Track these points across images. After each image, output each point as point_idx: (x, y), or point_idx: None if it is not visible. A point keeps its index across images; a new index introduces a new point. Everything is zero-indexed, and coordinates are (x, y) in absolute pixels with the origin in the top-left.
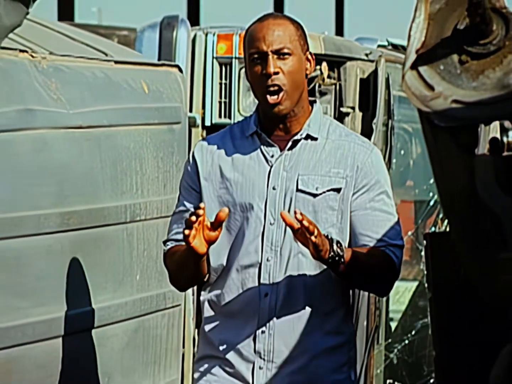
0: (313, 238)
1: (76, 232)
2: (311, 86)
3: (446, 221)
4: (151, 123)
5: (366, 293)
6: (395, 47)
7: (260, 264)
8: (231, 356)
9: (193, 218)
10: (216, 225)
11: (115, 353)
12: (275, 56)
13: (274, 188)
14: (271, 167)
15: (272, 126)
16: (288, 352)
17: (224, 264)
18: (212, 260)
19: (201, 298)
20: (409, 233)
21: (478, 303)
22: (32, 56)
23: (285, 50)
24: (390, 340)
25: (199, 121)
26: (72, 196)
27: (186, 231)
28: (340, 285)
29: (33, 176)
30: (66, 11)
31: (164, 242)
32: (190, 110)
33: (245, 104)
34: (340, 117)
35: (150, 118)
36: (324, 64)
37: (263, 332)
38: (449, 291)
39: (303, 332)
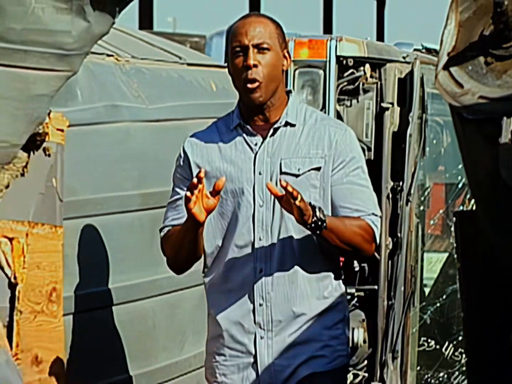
0: (297, 202)
1: (154, 211)
2: (356, 84)
3: (473, 201)
4: (218, 116)
5: (403, 264)
6: (429, 50)
7: (253, 243)
8: (234, 330)
9: (195, 180)
10: (214, 193)
11: (188, 315)
12: (255, 50)
13: (260, 173)
14: (256, 154)
15: (253, 117)
16: (285, 319)
17: (220, 246)
18: (208, 245)
19: (204, 281)
20: (441, 211)
21: (499, 272)
22: (117, 60)
23: (265, 45)
24: (424, 304)
25: None
26: (151, 180)
27: (188, 193)
28: (327, 251)
29: (118, 163)
30: (145, 21)
31: (160, 230)
32: None
33: (301, 100)
34: (381, 111)
35: (217, 112)
36: (367, 65)
37: (260, 304)
38: (475, 261)
39: (297, 300)
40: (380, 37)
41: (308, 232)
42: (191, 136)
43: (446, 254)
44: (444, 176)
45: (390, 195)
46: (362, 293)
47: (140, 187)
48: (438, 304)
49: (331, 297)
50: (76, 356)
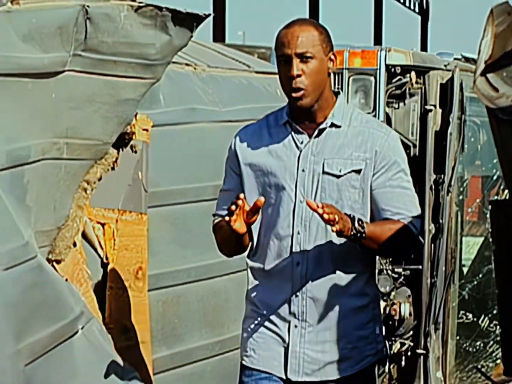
0: (336, 226)
1: None
2: (403, 89)
3: (506, 191)
4: None
5: (444, 247)
6: (467, 59)
7: (292, 236)
8: (270, 315)
9: (233, 207)
10: (254, 210)
11: None
12: (298, 60)
13: (303, 171)
14: (301, 152)
15: (300, 117)
16: (319, 312)
17: (263, 235)
18: (254, 232)
19: (246, 262)
20: (477, 200)
21: None
22: (195, 68)
23: (308, 54)
24: (462, 281)
25: None
26: (223, 173)
27: (227, 218)
28: (364, 252)
29: (195, 158)
30: (218, 34)
31: (214, 215)
32: None
33: (352, 103)
34: (425, 113)
35: None
36: (413, 73)
37: (296, 296)
38: (508, 245)
39: (331, 295)
40: (424, 47)
41: None
42: (243, 129)
43: (482, 238)
44: (481, 169)
45: (433, 187)
46: (408, 272)
47: (213, 179)
48: (475, 282)
49: (364, 296)
50: (159, 326)
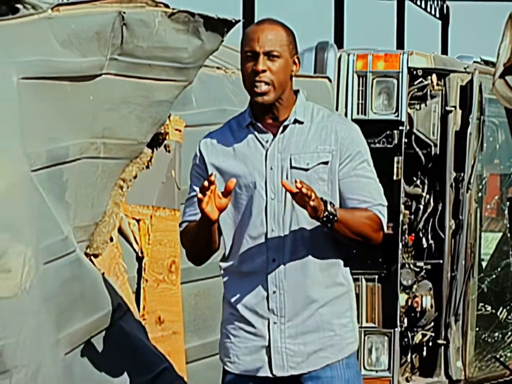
0: (311, 202)
1: None
2: (424, 91)
3: None
4: None
5: (464, 242)
6: (486, 62)
7: (266, 234)
8: (248, 315)
9: (206, 183)
10: (226, 193)
11: None
12: (265, 57)
13: (271, 168)
14: (267, 150)
15: (263, 116)
16: (297, 306)
17: (235, 236)
18: (226, 235)
19: (220, 265)
20: (496, 197)
21: None
22: (225, 71)
23: (275, 53)
24: (481, 275)
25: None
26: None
27: (200, 195)
28: (337, 241)
29: None
30: None
31: (180, 224)
32: (336, 109)
33: (376, 104)
34: (445, 113)
35: None
36: (434, 75)
37: (274, 292)
38: None
39: (308, 288)
40: (445, 51)
41: (318, 223)
42: (206, 136)
43: (501, 234)
44: (499, 167)
45: (453, 184)
46: (429, 266)
47: None
48: (493, 275)
49: (340, 285)
50: (191, 317)
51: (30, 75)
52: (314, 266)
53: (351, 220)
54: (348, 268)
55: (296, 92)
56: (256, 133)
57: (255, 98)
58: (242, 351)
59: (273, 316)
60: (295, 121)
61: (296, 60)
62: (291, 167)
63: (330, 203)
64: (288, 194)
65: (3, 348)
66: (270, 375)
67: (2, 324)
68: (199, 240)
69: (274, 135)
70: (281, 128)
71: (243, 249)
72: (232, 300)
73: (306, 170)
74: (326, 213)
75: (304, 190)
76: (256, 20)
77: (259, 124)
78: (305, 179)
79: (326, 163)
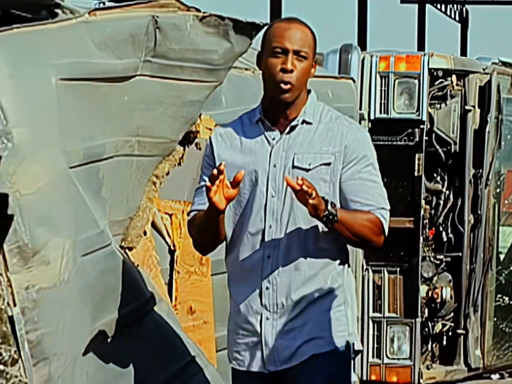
0: (311, 201)
1: None
2: (444, 91)
3: None
4: None
5: (483, 235)
6: (504, 63)
7: (264, 231)
8: (244, 310)
9: (215, 171)
10: (234, 184)
11: None
12: (295, 56)
13: (274, 166)
14: (272, 148)
15: (274, 113)
16: (289, 303)
17: (236, 231)
18: (227, 229)
19: (225, 260)
20: None
21: None
22: (253, 72)
23: (303, 54)
24: (499, 267)
25: (366, 116)
26: None
27: (208, 184)
28: (334, 242)
29: None
30: None
31: (188, 213)
32: (360, 108)
33: (398, 104)
34: (465, 113)
35: None
36: (454, 76)
37: (267, 288)
38: None
39: (300, 285)
40: (464, 52)
41: (316, 222)
42: (219, 129)
43: None
44: None
45: (472, 181)
46: (449, 259)
47: None
48: (511, 268)
49: (334, 282)
50: (221, 307)
51: (68, 76)
52: (307, 265)
53: (351, 222)
54: (345, 265)
55: (308, 92)
56: (264, 130)
57: (279, 96)
58: (242, 347)
59: (266, 312)
60: (303, 121)
61: (314, 64)
62: (293, 166)
63: (332, 203)
64: (289, 193)
65: (42, 336)
66: (265, 371)
67: (42, 314)
68: (205, 230)
69: (281, 133)
70: (288, 128)
71: (242, 244)
72: (234, 295)
73: (308, 170)
74: (326, 212)
75: (304, 187)
76: None
77: (267, 122)
78: (307, 179)
79: (328, 164)
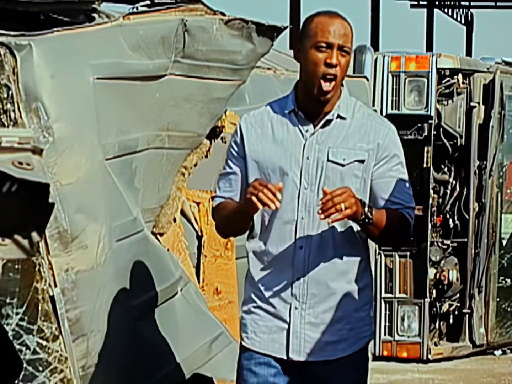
0: (341, 216)
1: None
2: (451, 89)
3: None
4: None
5: (486, 222)
6: (507, 63)
7: (296, 221)
8: (271, 298)
9: (272, 188)
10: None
11: None
12: (338, 51)
13: (308, 158)
14: (306, 140)
15: (309, 106)
16: (319, 295)
17: (267, 219)
18: (257, 216)
19: (247, 246)
20: None
21: None
22: (275, 72)
23: (346, 49)
24: (502, 252)
25: (378, 112)
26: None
27: (260, 206)
28: (362, 239)
29: None
30: (295, 43)
31: (213, 198)
32: (373, 105)
33: (408, 100)
34: (470, 109)
35: None
36: (460, 75)
37: (298, 278)
38: None
39: (331, 279)
40: (469, 53)
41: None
42: (247, 115)
43: None
44: None
45: (477, 171)
46: (455, 244)
47: None
48: None
49: (362, 279)
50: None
51: (104, 76)
52: (338, 258)
53: (384, 222)
54: (369, 264)
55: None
56: (297, 121)
57: (319, 90)
58: (261, 329)
59: (295, 301)
60: (338, 116)
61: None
62: (328, 160)
63: (369, 206)
64: (321, 185)
65: (81, 315)
66: (285, 358)
67: (80, 294)
68: (234, 222)
69: (315, 126)
70: (323, 121)
71: (272, 232)
72: (257, 280)
73: (342, 165)
74: (363, 216)
75: (344, 214)
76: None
77: (301, 113)
78: (339, 174)
79: (362, 161)
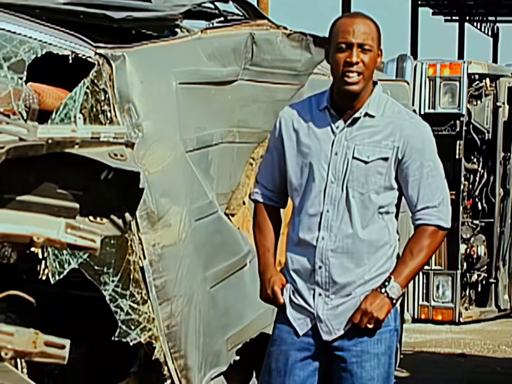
0: (379, 316)
1: None
2: (480, 91)
3: None
4: None
5: (510, 205)
6: None
7: (322, 214)
8: (299, 283)
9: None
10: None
11: None
12: (359, 49)
13: (336, 154)
14: (335, 136)
15: (340, 102)
16: (340, 284)
17: (296, 209)
18: (291, 197)
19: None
20: None
21: None
22: (329, 77)
23: (367, 47)
24: None
25: (417, 111)
26: None
27: (280, 298)
28: (386, 228)
29: None
30: None
31: (256, 182)
32: (412, 105)
33: (442, 101)
34: (496, 108)
35: None
36: (487, 79)
37: (320, 267)
38: None
39: (352, 268)
40: (495, 60)
41: (370, 210)
42: (289, 107)
43: None
44: None
45: (502, 161)
46: (483, 224)
47: None
48: None
49: (383, 268)
50: None
51: (185, 81)
52: (360, 249)
53: (412, 271)
54: (394, 255)
55: (375, 83)
56: (329, 118)
57: (344, 87)
58: (292, 313)
59: (318, 288)
60: (366, 114)
61: (380, 52)
62: (353, 157)
63: (390, 288)
64: (347, 181)
65: (165, 282)
66: (313, 341)
67: (165, 265)
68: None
69: (345, 123)
70: (351, 119)
71: (301, 221)
72: (288, 258)
73: (366, 163)
74: (394, 301)
75: (362, 325)
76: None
77: (333, 110)
78: (363, 170)
79: (386, 159)
